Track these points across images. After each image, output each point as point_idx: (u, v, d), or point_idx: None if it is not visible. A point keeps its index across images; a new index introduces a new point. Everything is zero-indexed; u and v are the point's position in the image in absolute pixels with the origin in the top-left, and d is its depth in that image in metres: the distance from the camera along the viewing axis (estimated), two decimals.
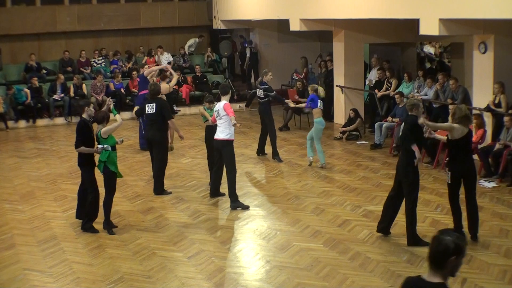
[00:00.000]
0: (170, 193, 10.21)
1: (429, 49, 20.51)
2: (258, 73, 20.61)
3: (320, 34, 19.17)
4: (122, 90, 17.92)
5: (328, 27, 15.50)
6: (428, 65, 19.48)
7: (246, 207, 9.38)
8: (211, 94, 18.49)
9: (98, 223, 8.55)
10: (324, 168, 11.51)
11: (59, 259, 7.57)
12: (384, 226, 8.02)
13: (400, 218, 8.00)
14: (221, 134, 9.30)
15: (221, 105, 9.28)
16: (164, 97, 11.07)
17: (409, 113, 7.76)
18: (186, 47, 20.84)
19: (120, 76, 18.19)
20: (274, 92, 12.44)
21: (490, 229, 8.25)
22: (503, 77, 11.31)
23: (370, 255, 7.44)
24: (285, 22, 15.91)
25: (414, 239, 7.66)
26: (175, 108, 12.74)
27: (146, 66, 13.01)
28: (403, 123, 7.97)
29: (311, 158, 11.76)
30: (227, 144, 9.30)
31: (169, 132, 12.72)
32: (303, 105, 11.44)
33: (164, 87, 12.58)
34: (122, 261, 7.48)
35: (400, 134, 7.96)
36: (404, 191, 7.69)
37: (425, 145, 8.71)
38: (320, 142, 11.60)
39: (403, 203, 7.81)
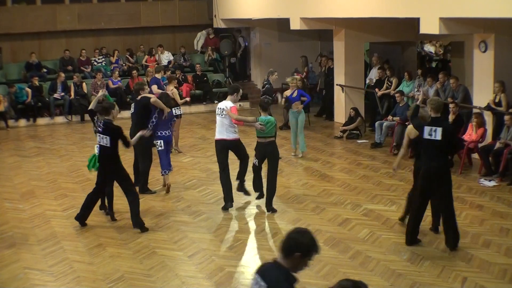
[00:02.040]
0: (155, 192, 10.22)
1: (429, 48, 20.52)
2: (247, 67, 20.85)
3: (321, 33, 19.16)
4: (120, 84, 17.88)
5: (328, 26, 15.50)
6: (428, 64, 19.47)
7: (248, 194, 9.59)
8: (211, 93, 18.73)
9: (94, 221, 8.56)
10: (296, 156, 12.47)
11: (59, 258, 7.57)
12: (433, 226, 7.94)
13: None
14: (230, 134, 9.10)
15: (228, 105, 9.11)
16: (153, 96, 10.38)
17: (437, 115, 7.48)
18: (195, 42, 20.87)
19: (117, 73, 18.20)
20: (267, 86, 13.25)
21: (490, 228, 8.24)
22: (504, 76, 11.30)
23: (371, 254, 7.44)
24: (286, 21, 15.90)
25: (411, 238, 7.64)
26: (179, 112, 12.58)
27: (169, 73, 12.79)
28: (441, 128, 7.29)
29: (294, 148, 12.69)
30: (240, 142, 9.29)
31: (173, 135, 12.66)
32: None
33: (169, 89, 12.53)
34: (122, 260, 7.48)
35: (440, 139, 7.32)
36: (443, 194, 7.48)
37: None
38: (293, 131, 12.55)
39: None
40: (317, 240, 3.73)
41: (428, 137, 7.30)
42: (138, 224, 8.36)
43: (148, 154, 10.06)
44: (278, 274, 3.63)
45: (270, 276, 3.64)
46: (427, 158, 7.37)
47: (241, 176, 9.62)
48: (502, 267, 7.00)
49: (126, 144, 8.43)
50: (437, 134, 7.27)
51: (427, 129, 7.32)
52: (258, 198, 9.45)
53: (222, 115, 9.11)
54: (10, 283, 6.92)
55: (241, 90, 9.44)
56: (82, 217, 8.63)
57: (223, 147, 9.22)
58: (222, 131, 9.15)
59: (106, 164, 8.37)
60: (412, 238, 7.64)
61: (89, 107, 8.64)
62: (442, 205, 7.47)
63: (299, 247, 3.63)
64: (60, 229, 8.60)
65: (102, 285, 6.81)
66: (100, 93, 9.00)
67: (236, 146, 9.28)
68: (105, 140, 8.22)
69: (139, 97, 10.00)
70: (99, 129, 8.28)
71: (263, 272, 3.70)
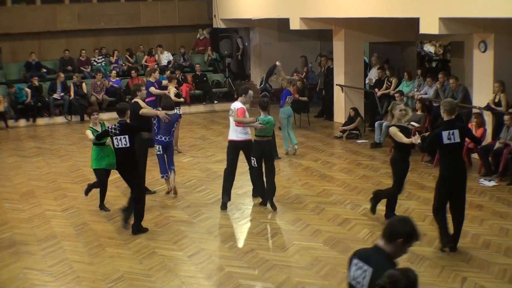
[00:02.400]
0: (155, 192, 10.20)
1: (429, 48, 20.52)
2: (245, 67, 20.87)
3: (320, 33, 19.16)
4: (111, 82, 17.88)
5: (328, 26, 15.50)
6: (426, 64, 19.47)
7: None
8: (211, 93, 18.73)
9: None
10: (288, 154, 12.60)
11: (59, 258, 7.57)
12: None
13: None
14: (240, 134, 9.15)
15: (237, 106, 9.17)
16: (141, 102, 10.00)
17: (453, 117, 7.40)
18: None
19: (114, 73, 18.17)
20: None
21: (490, 228, 8.25)
22: (503, 76, 11.30)
23: None
24: (285, 21, 15.90)
25: (447, 240, 7.53)
26: (179, 112, 12.46)
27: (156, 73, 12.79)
28: (454, 131, 7.27)
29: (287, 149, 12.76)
30: (251, 143, 9.29)
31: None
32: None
33: (170, 88, 12.54)
34: (122, 260, 7.48)
35: (460, 140, 7.33)
36: (463, 196, 7.43)
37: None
38: (286, 129, 12.64)
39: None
40: (418, 228, 3.86)
41: (448, 141, 7.23)
42: (139, 232, 8.32)
43: (144, 154, 10.01)
44: (382, 257, 3.79)
45: (375, 260, 3.79)
46: (450, 161, 7.31)
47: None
48: (502, 267, 7.00)
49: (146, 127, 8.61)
50: (456, 136, 7.22)
51: (445, 134, 7.23)
52: (261, 204, 9.44)
53: (232, 116, 9.19)
54: (10, 283, 6.92)
55: (250, 91, 9.39)
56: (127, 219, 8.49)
57: (234, 148, 9.28)
58: (232, 131, 9.23)
59: (127, 164, 8.23)
60: (447, 239, 7.49)
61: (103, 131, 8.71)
62: (461, 206, 7.41)
63: (402, 233, 3.77)
64: (59, 229, 8.60)
65: (102, 285, 6.81)
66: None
67: (246, 147, 9.27)
68: (124, 141, 8.10)
69: (133, 101, 9.98)
70: (117, 132, 8.09)
71: (365, 256, 3.87)
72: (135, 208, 8.28)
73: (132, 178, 8.26)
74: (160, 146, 9.79)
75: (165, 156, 9.82)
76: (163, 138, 9.73)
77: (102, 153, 8.94)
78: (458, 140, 7.24)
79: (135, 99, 9.83)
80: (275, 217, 8.94)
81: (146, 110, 9.74)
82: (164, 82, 12.95)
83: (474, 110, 11.60)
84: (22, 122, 17.02)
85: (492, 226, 8.33)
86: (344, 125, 14.49)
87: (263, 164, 9.12)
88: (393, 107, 8.22)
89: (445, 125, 7.33)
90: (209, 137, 14.80)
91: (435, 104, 13.02)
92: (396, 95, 13.21)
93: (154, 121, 10.16)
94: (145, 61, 19.48)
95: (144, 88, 10.31)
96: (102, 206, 9.14)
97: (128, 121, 8.34)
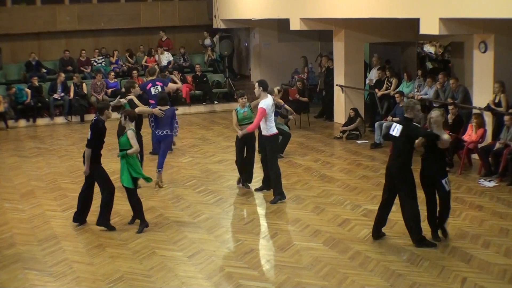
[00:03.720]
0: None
1: (429, 48, 20.52)
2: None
3: (321, 34, 19.16)
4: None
5: (328, 27, 15.51)
6: (429, 64, 19.47)
7: (284, 198, 9.66)
8: (211, 93, 18.73)
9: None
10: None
11: (59, 258, 7.58)
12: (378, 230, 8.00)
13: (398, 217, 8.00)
14: (267, 130, 9.51)
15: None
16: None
17: (406, 115, 7.59)
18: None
19: (112, 74, 18.15)
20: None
21: (490, 228, 8.25)
22: (503, 77, 11.30)
23: (370, 254, 7.44)
24: (285, 22, 15.90)
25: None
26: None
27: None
28: (399, 126, 7.60)
29: None
30: (270, 137, 9.65)
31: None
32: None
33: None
34: (122, 260, 7.49)
35: (399, 136, 7.56)
36: (403, 193, 7.62)
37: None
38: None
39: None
40: None
41: (392, 132, 7.65)
42: (103, 225, 8.46)
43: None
44: None
45: None
46: (392, 155, 7.77)
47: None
48: (502, 267, 7.00)
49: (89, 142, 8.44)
50: (398, 131, 7.55)
51: (393, 125, 7.71)
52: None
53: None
54: (10, 283, 6.92)
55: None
56: (80, 217, 8.72)
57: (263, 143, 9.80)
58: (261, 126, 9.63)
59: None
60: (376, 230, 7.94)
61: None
62: (403, 202, 7.64)
63: None
64: (59, 229, 8.61)
65: (102, 286, 6.81)
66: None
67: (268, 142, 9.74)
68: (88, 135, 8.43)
69: (127, 98, 10.06)
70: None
71: None
72: (102, 202, 8.43)
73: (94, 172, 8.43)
74: (163, 140, 10.29)
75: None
76: (160, 132, 10.26)
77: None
78: (398, 134, 7.53)
79: (129, 96, 9.97)
80: (275, 218, 8.94)
81: (141, 108, 9.94)
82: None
83: (474, 111, 11.60)
84: (22, 122, 17.02)
85: (492, 226, 8.33)
86: (344, 125, 14.49)
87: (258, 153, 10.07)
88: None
89: (401, 119, 7.80)
90: (209, 137, 14.80)
91: (435, 105, 13.02)
92: (396, 95, 13.22)
93: (151, 118, 10.34)
94: (145, 62, 19.48)
95: (137, 85, 10.46)
96: None
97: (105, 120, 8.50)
